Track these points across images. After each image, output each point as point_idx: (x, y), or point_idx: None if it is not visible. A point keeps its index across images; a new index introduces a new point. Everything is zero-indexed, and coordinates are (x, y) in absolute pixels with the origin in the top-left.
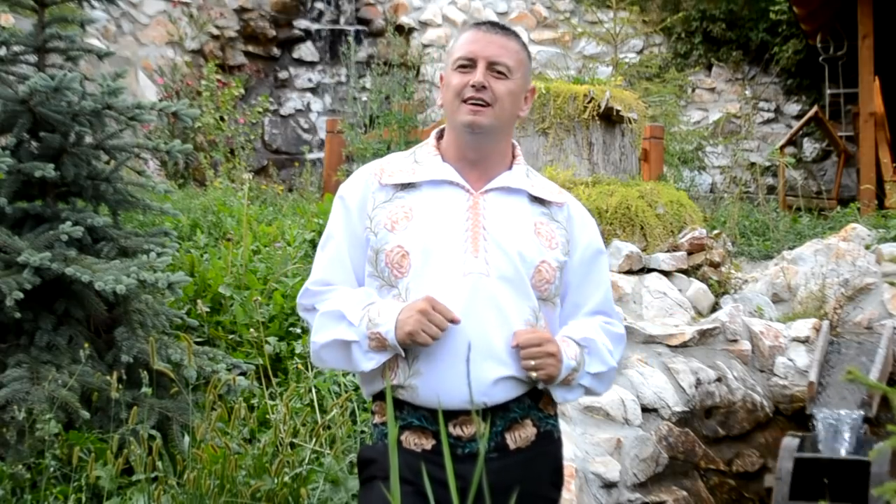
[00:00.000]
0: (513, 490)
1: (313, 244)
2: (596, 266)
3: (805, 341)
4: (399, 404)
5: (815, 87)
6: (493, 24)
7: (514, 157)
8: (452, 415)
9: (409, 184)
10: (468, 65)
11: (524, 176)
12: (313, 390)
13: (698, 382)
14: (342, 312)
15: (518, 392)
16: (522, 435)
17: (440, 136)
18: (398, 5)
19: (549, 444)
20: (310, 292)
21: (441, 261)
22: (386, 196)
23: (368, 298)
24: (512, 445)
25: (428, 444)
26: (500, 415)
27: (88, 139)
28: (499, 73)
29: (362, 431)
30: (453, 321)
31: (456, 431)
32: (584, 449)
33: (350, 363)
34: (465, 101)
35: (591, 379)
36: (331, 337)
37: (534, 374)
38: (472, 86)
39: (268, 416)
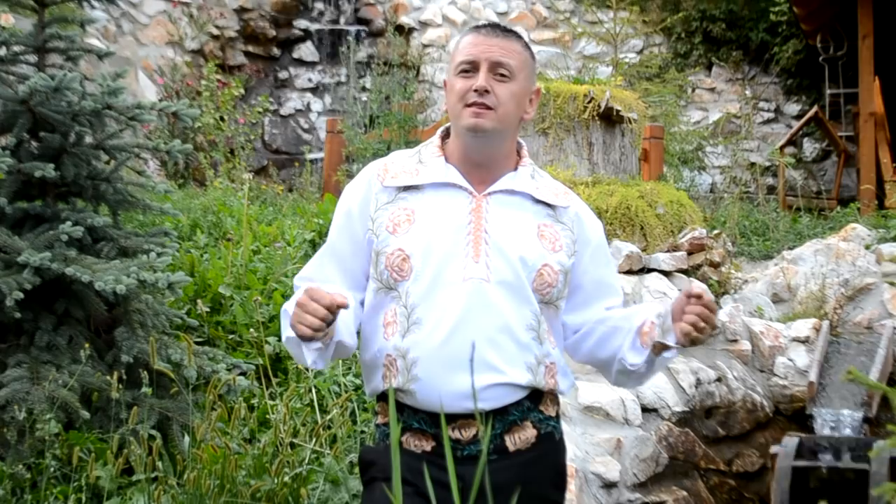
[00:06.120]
0: (511, 490)
1: (313, 244)
2: (609, 260)
3: (805, 341)
4: (399, 406)
5: (815, 87)
6: (494, 26)
7: (520, 157)
8: (451, 418)
9: (412, 185)
10: (470, 69)
11: (529, 178)
12: (313, 390)
13: (698, 382)
14: (286, 309)
15: (514, 397)
16: (522, 437)
17: (445, 135)
18: (398, 5)
19: (549, 445)
20: (295, 286)
21: (442, 265)
22: (388, 197)
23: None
24: (511, 448)
25: (428, 445)
26: (499, 418)
27: (88, 139)
28: (501, 75)
29: (362, 431)
30: (341, 306)
31: (455, 435)
32: (584, 449)
33: (303, 359)
34: (468, 106)
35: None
36: (283, 334)
37: (699, 336)
38: (475, 90)
39: (268, 416)
